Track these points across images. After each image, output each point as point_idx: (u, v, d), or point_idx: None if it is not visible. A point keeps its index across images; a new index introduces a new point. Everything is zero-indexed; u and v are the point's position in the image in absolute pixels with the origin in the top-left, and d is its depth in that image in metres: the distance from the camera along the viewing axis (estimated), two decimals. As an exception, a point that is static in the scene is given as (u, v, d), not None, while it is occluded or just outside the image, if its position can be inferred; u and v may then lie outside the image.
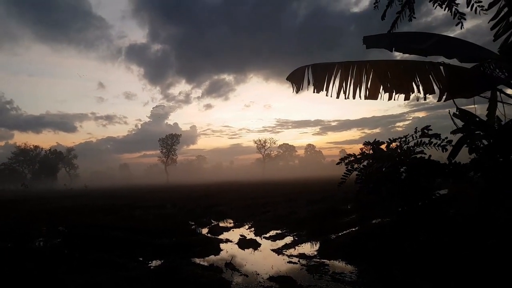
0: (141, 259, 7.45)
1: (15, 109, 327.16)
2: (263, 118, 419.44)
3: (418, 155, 5.18)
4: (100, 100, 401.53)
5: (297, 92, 4.75)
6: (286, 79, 4.92)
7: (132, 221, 12.32)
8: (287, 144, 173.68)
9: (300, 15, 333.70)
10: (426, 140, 5.18)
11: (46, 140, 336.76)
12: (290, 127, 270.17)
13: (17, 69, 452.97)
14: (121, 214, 15.50)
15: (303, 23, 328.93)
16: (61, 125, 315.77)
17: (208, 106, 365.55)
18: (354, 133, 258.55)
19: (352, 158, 5.66)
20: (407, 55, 4.96)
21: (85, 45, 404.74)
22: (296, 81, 4.76)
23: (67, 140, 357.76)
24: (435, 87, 4.23)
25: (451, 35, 5.37)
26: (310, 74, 4.64)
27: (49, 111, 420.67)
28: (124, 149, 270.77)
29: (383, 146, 5.67)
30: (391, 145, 5.57)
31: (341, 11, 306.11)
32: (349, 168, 5.59)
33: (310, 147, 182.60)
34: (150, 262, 7.22)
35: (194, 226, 11.87)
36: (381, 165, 5.23)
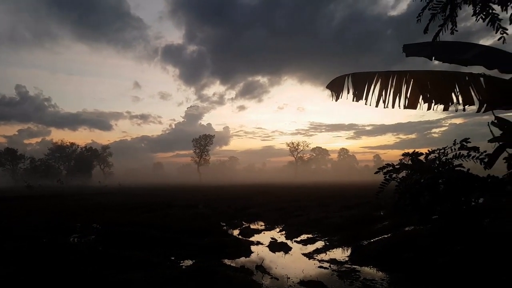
0: (173, 258, 7.63)
1: (53, 106, 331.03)
2: (297, 120, 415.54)
3: (457, 168, 5.11)
4: (135, 100, 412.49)
5: (336, 100, 4.80)
6: (326, 87, 4.98)
7: (166, 220, 12.67)
8: (320, 147, 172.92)
9: (336, 17, 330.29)
10: (465, 152, 5.11)
11: (82, 137, 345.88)
12: (323, 130, 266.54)
13: (56, 67, 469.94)
14: (155, 213, 15.96)
15: (340, 26, 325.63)
16: (97, 123, 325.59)
17: (242, 108, 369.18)
18: (389, 138, 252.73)
19: (391, 168, 5.66)
20: (446, 64, 4.90)
21: (123, 45, 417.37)
22: (336, 89, 4.80)
23: (103, 138, 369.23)
24: (474, 98, 4.17)
25: (491, 41, 5.25)
26: (350, 83, 4.67)
27: (86, 109, 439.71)
28: (158, 148, 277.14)
29: (421, 157, 5.63)
30: (429, 156, 5.52)
31: (378, 15, 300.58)
32: (387, 177, 5.59)
33: (343, 151, 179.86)
34: (183, 261, 7.39)
35: (225, 227, 12.04)
36: (420, 177, 5.20)
